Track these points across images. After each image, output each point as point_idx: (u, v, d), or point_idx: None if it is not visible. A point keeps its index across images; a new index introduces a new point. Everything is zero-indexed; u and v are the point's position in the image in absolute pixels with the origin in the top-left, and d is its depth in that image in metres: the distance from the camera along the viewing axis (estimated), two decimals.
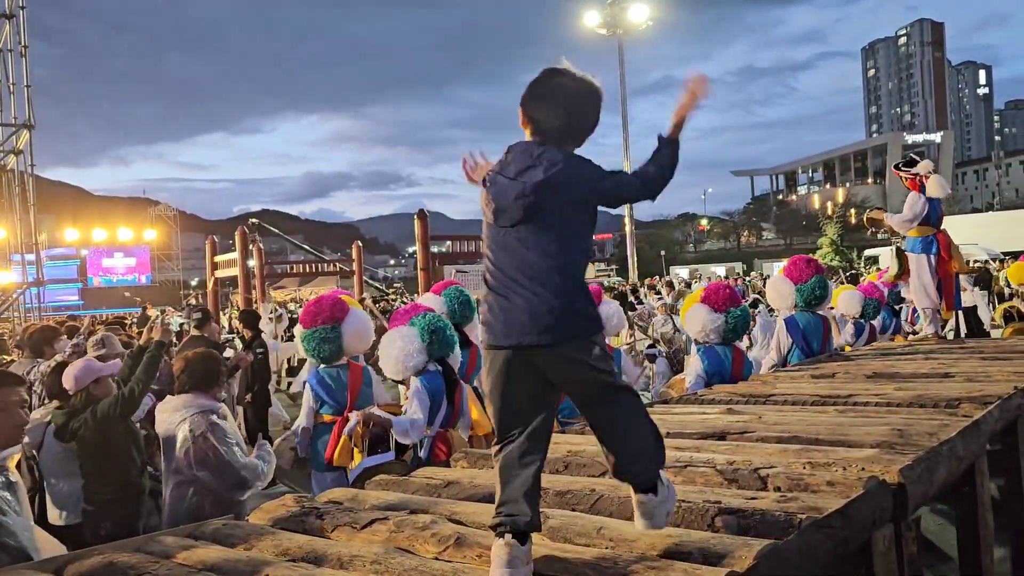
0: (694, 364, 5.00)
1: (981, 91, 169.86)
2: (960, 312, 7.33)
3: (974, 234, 31.55)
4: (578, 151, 1.98)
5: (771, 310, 9.28)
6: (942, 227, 6.61)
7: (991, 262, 25.60)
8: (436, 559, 1.92)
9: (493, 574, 1.73)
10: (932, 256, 6.49)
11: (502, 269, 1.87)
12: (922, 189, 6.47)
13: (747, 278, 31.13)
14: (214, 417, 3.30)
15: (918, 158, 6.88)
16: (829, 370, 5.00)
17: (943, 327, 6.92)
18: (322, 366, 4.73)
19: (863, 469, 2.39)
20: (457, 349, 4.54)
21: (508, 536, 1.74)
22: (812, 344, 5.94)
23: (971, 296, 11.21)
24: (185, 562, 2.03)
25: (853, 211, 64.69)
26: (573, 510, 2.20)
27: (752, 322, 8.00)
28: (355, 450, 4.53)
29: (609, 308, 5.58)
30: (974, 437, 2.87)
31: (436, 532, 2.01)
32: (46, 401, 4.76)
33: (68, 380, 3.91)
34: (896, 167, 6.79)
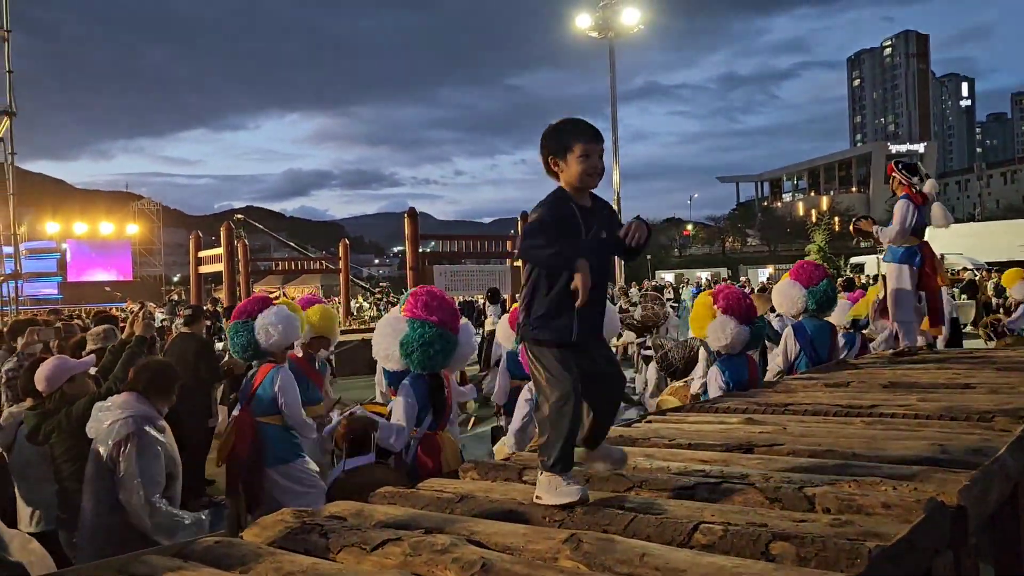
0: (713, 376, 4.78)
1: (964, 103, 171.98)
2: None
3: (958, 244, 31.71)
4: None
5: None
6: (925, 238, 6.09)
7: (976, 272, 25.76)
8: None
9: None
10: (915, 268, 5.97)
11: None
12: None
13: (737, 283, 31.08)
14: (146, 427, 3.06)
15: (921, 166, 6.33)
16: (841, 379, 4.82)
17: (934, 342, 6.48)
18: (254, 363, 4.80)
19: (915, 488, 2.20)
20: (460, 354, 4.19)
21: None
22: (820, 351, 5.77)
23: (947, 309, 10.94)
24: None
25: (837, 219, 64.99)
26: (605, 531, 1.99)
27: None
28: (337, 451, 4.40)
29: None
30: (1021, 453, 2.70)
31: (458, 557, 1.79)
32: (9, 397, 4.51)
33: (40, 381, 3.66)
34: (895, 164, 6.21)
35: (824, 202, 74.82)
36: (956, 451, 2.66)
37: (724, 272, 52.26)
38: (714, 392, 4.73)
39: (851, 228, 6.51)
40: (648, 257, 57.36)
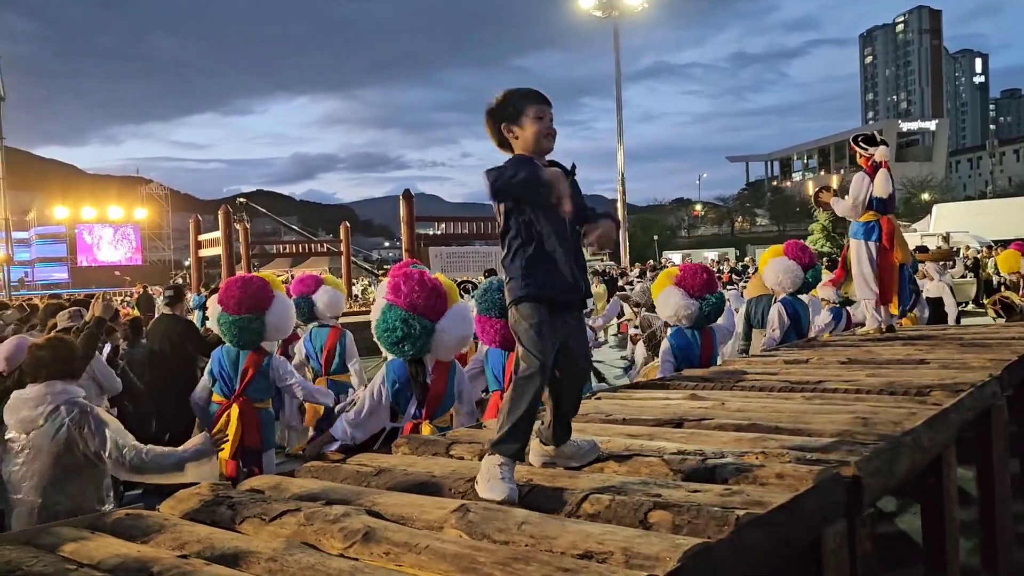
0: (665, 348, 4.85)
1: (977, 79, 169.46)
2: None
3: (967, 222, 31.36)
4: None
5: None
6: (889, 214, 5.93)
7: (981, 249, 25.51)
8: (341, 556, 1.76)
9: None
10: (872, 243, 5.85)
11: None
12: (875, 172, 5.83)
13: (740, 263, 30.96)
14: (84, 401, 3.11)
15: (879, 136, 6.03)
16: (804, 355, 4.85)
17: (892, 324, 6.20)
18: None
19: (817, 460, 2.23)
20: (443, 341, 3.92)
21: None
22: (804, 328, 5.94)
23: (937, 287, 10.74)
24: (71, 556, 1.87)
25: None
26: (500, 503, 2.03)
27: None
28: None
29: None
30: (942, 427, 2.72)
31: (345, 526, 1.84)
32: None
33: None
34: (854, 140, 6.00)
35: (834, 181, 74.12)
36: (877, 424, 2.68)
37: (732, 252, 52.01)
38: (663, 364, 4.77)
39: (812, 198, 6.45)
40: (655, 237, 57.23)
